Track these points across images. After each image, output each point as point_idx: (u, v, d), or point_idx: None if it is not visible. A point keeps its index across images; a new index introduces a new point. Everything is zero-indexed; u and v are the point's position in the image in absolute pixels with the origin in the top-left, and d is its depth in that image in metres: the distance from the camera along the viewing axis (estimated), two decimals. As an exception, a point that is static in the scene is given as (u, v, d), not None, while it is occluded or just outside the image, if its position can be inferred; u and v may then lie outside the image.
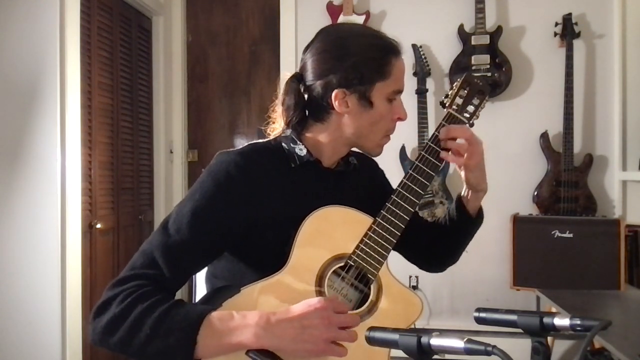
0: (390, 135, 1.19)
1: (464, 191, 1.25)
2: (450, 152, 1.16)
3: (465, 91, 1.19)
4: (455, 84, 1.21)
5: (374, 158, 1.27)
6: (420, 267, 1.39)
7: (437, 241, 1.31)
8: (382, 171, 1.38)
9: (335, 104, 1.11)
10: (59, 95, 2.41)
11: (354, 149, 1.22)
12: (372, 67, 1.10)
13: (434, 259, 1.36)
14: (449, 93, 1.20)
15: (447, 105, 1.19)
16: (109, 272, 2.93)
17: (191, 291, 1.38)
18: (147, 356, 0.96)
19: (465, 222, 1.27)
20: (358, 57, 1.10)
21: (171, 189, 3.59)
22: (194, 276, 1.25)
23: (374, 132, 1.15)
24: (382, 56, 1.11)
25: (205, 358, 0.96)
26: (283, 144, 1.16)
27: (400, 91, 1.15)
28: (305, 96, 1.15)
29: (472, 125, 1.19)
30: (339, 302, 1.00)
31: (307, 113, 1.16)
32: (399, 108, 1.16)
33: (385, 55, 1.11)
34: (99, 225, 2.77)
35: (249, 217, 1.07)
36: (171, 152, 3.59)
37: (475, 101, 1.19)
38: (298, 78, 1.16)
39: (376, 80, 1.11)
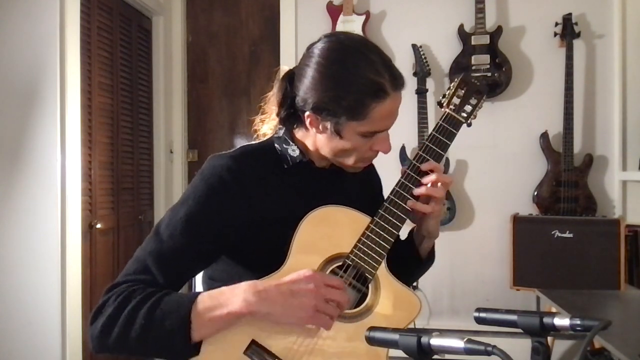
0: (373, 160, 1.16)
1: (416, 237, 1.22)
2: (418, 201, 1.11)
3: (463, 91, 1.19)
4: (453, 84, 1.20)
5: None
6: None
7: (394, 263, 1.21)
8: (377, 174, 1.36)
9: (307, 122, 1.09)
10: (59, 95, 2.41)
11: None
12: (345, 107, 1.04)
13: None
14: (446, 93, 1.20)
15: (444, 105, 1.19)
16: (109, 272, 2.93)
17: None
18: (146, 347, 0.97)
19: (416, 265, 1.24)
20: (336, 94, 1.04)
21: (171, 189, 3.59)
22: (193, 278, 1.25)
23: (346, 157, 1.12)
24: (361, 100, 1.03)
25: (203, 337, 0.97)
26: (276, 145, 1.16)
27: (379, 131, 1.08)
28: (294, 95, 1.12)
29: (469, 125, 1.19)
30: (329, 276, 1.01)
31: (295, 113, 1.14)
32: (381, 142, 1.10)
33: (364, 100, 1.03)
34: (99, 225, 2.77)
35: (244, 220, 1.07)
36: (171, 152, 3.59)
37: (473, 101, 1.19)
38: (290, 78, 1.13)
39: (348, 119, 1.05)
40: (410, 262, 1.24)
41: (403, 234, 1.27)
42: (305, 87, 1.08)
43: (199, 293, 0.99)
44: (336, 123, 1.06)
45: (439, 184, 1.12)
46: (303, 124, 1.13)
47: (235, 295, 0.96)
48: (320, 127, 1.09)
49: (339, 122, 1.06)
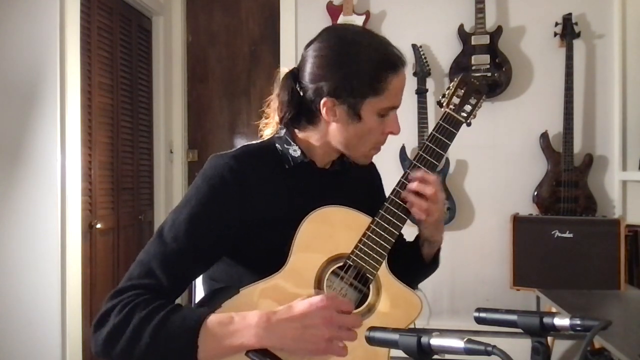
0: (381, 147, 1.16)
1: (419, 240, 1.23)
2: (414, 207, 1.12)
3: (462, 91, 1.19)
4: (452, 83, 1.20)
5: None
6: None
7: (396, 264, 1.22)
8: (378, 173, 1.37)
9: (323, 111, 1.09)
10: (59, 95, 2.41)
11: None
12: (365, 82, 1.06)
13: None
14: (446, 93, 1.20)
15: (444, 104, 1.19)
16: (109, 272, 2.93)
17: (191, 294, 1.37)
18: None
19: (418, 265, 1.25)
20: (352, 69, 1.06)
21: (171, 189, 3.59)
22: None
23: (361, 143, 1.13)
24: (378, 72, 1.06)
25: None
26: (277, 145, 1.16)
27: (394, 107, 1.11)
28: (301, 93, 1.13)
29: (469, 124, 1.19)
30: (341, 300, 0.99)
31: (301, 112, 1.14)
32: (392, 123, 1.12)
33: (382, 71, 1.06)
34: (99, 225, 2.78)
35: (245, 220, 1.07)
36: (171, 152, 3.59)
37: (472, 101, 1.19)
38: (294, 75, 1.14)
39: (368, 95, 1.07)
40: (413, 264, 1.24)
41: (408, 235, 1.28)
42: (316, 77, 1.09)
43: (206, 314, 0.96)
44: (355, 104, 1.07)
45: (427, 192, 1.11)
46: (308, 122, 1.13)
47: (247, 328, 0.94)
48: (337, 112, 1.09)
49: (357, 102, 1.07)
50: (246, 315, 0.96)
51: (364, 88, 1.06)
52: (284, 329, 0.93)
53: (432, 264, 1.25)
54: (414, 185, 1.12)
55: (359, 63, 1.06)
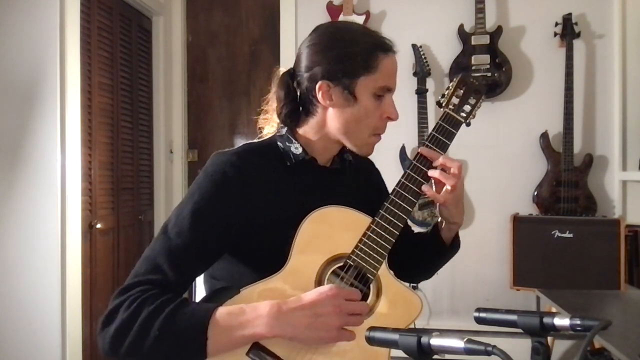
0: (382, 135, 1.16)
1: (439, 224, 1.25)
2: (431, 183, 1.14)
3: (462, 91, 1.19)
4: (452, 83, 1.20)
5: (369, 157, 1.24)
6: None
7: (412, 255, 1.27)
8: (377, 170, 1.38)
9: (319, 95, 1.10)
10: (59, 95, 2.41)
11: None
12: (356, 60, 1.08)
13: (405, 271, 1.26)
14: (445, 93, 1.20)
15: (443, 105, 1.19)
16: (109, 272, 2.93)
17: (191, 293, 1.37)
18: (158, 358, 0.97)
19: (438, 249, 1.27)
20: (343, 50, 1.09)
21: (171, 189, 3.59)
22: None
23: (360, 128, 1.13)
24: (368, 50, 1.09)
25: (216, 353, 0.96)
26: (278, 143, 1.16)
27: (389, 89, 1.12)
28: (298, 92, 1.14)
29: (468, 124, 1.19)
30: (349, 289, 1.01)
31: (299, 108, 1.16)
32: (389, 107, 1.12)
33: (372, 50, 1.09)
34: (99, 225, 2.77)
35: (247, 217, 1.07)
36: (171, 152, 3.59)
37: (472, 101, 1.19)
38: (290, 72, 1.17)
39: (360, 74, 1.08)
40: (433, 250, 1.26)
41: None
42: (310, 64, 1.11)
43: (214, 307, 0.97)
44: (349, 84, 1.09)
45: (452, 170, 1.13)
46: (306, 115, 1.14)
47: (258, 317, 0.95)
48: (333, 95, 1.10)
49: (352, 82, 1.09)
50: (257, 305, 0.97)
51: (356, 67, 1.09)
52: (295, 317, 0.95)
53: (452, 246, 1.27)
54: (440, 160, 1.13)
55: (351, 44, 1.10)
